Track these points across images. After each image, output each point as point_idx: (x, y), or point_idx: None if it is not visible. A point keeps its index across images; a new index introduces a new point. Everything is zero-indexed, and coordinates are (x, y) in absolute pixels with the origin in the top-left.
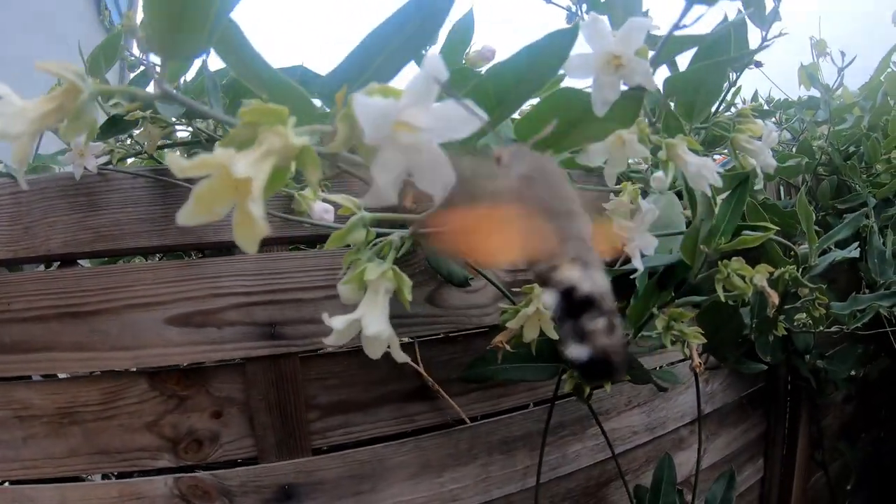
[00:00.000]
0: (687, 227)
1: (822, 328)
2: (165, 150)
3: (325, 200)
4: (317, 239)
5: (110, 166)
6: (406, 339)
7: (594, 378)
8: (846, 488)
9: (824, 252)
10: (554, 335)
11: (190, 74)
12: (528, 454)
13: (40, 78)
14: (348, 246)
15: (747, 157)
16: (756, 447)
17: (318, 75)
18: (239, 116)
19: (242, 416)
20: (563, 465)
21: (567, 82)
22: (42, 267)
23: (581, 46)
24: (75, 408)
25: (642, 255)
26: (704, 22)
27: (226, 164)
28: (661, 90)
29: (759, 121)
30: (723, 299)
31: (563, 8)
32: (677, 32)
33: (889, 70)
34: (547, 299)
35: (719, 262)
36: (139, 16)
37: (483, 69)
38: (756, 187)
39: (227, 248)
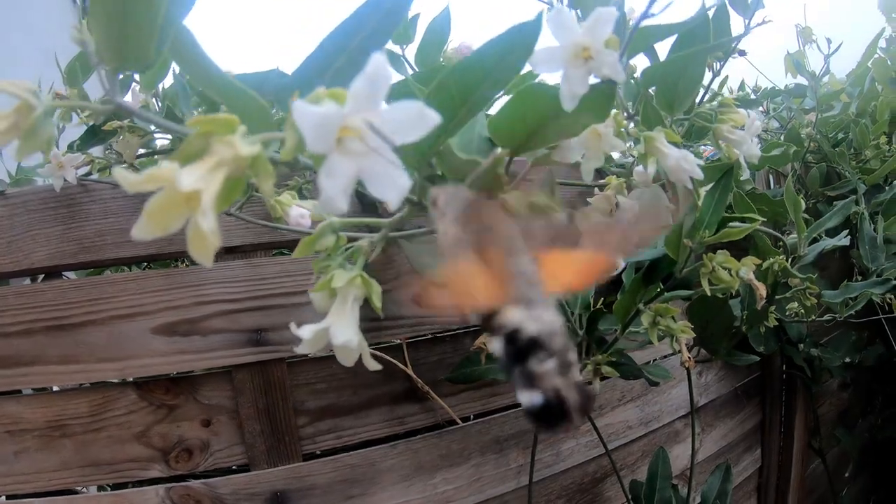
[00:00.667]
0: None
1: (814, 317)
2: (145, 158)
3: (278, 203)
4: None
5: (91, 177)
6: (395, 341)
7: (551, 424)
8: (844, 475)
9: (814, 241)
10: None
11: (168, 81)
12: (522, 453)
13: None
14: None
15: (731, 147)
16: (753, 437)
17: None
18: (189, 126)
19: (232, 424)
20: (557, 463)
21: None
22: (28, 280)
23: (547, 40)
24: (65, 420)
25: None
26: (684, 10)
27: (172, 179)
28: (639, 81)
29: (742, 110)
30: (708, 293)
31: (544, 2)
32: (651, 21)
33: (876, 56)
34: (494, 347)
35: (704, 256)
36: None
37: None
38: (742, 177)
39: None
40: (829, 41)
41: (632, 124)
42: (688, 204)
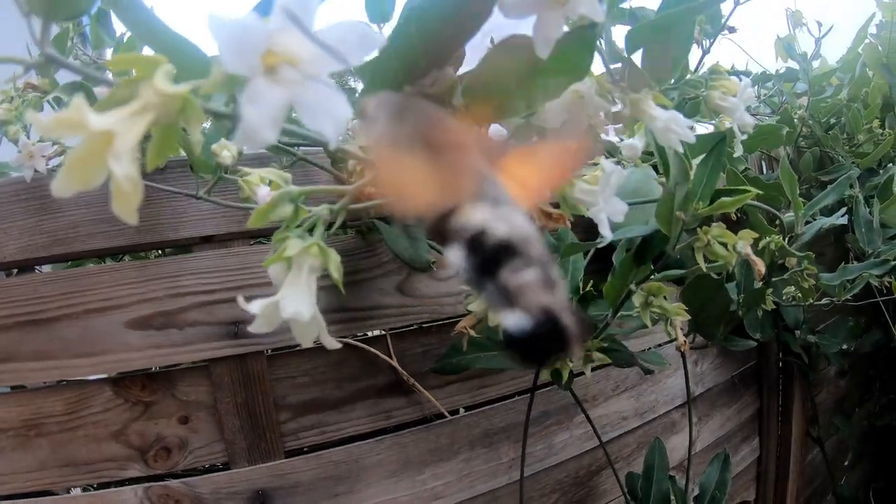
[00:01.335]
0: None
1: (811, 301)
2: None
3: (246, 183)
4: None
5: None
6: (378, 332)
7: (543, 353)
8: (843, 463)
9: (811, 221)
10: None
11: None
12: (513, 446)
13: None
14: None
15: (723, 116)
16: (750, 426)
17: None
18: (110, 66)
19: (211, 421)
20: (550, 456)
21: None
22: (3, 275)
23: None
24: (41, 419)
25: (612, 225)
26: None
27: (81, 119)
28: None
29: (734, 77)
30: (704, 269)
31: None
32: None
33: (867, 41)
34: (452, 258)
35: (698, 229)
36: None
37: None
38: (735, 154)
39: (187, 246)
40: (819, 24)
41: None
42: (679, 173)
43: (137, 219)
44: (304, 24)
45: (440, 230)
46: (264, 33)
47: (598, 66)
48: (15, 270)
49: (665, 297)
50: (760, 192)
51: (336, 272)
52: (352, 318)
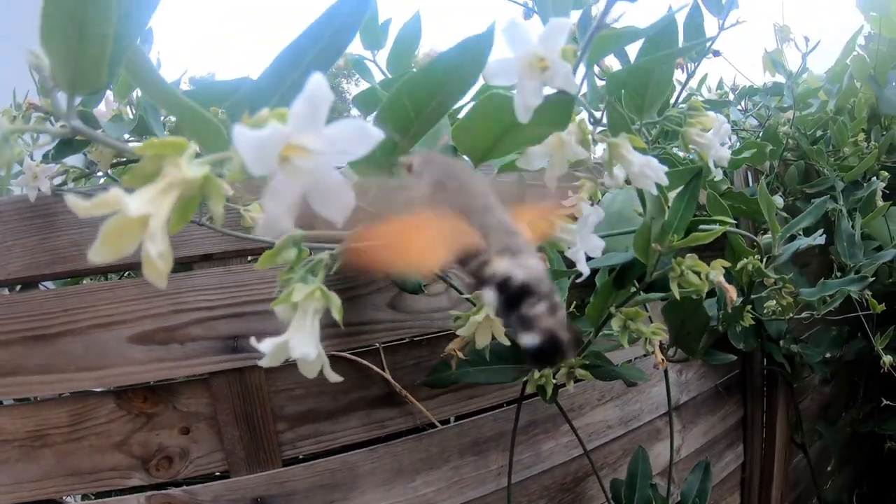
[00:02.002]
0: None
1: (792, 315)
2: (121, 167)
3: (248, 216)
4: None
5: (66, 186)
6: (373, 345)
7: (548, 361)
8: (827, 469)
9: (792, 239)
10: (506, 340)
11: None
12: (501, 454)
13: None
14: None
15: (703, 151)
16: (735, 433)
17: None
18: (138, 151)
19: (211, 431)
20: (537, 464)
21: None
22: (6, 291)
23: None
24: (46, 430)
25: (590, 258)
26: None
27: (119, 204)
28: (606, 87)
29: (711, 112)
30: (678, 297)
31: (520, 5)
32: (616, 25)
33: (855, 53)
34: (486, 296)
35: (673, 260)
36: None
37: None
38: (716, 178)
39: (188, 264)
40: (806, 39)
41: (598, 129)
42: (655, 208)
43: (167, 284)
44: (319, 125)
45: (477, 277)
46: (281, 139)
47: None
48: (18, 287)
49: (646, 321)
50: (744, 210)
51: (337, 314)
52: (347, 333)
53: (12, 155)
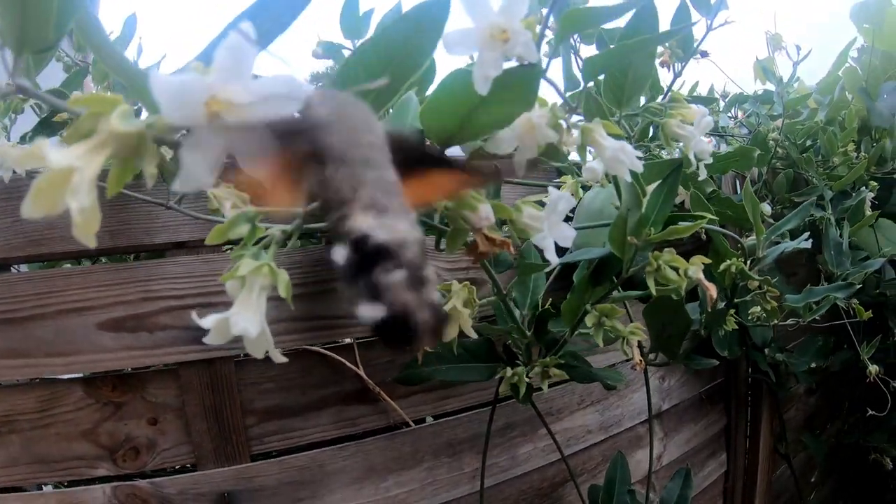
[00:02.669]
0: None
1: (776, 321)
2: None
3: (214, 196)
4: None
5: (41, 169)
6: (346, 340)
7: (395, 341)
8: (811, 480)
9: (776, 243)
10: (473, 333)
11: None
12: (476, 456)
13: None
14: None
15: (685, 144)
16: (718, 442)
17: None
18: (71, 104)
19: (179, 423)
20: (514, 467)
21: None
22: None
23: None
24: (13, 416)
25: (564, 250)
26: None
27: (43, 155)
28: (581, 73)
29: (694, 105)
30: (654, 293)
31: None
32: (592, 3)
33: (847, 65)
34: (335, 255)
35: (650, 254)
36: None
37: None
38: (699, 178)
39: (161, 251)
40: (798, 48)
41: (574, 117)
42: (631, 198)
43: (95, 242)
44: (245, 78)
45: (334, 230)
46: (204, 88)
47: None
48: None
49: (621, 318)
50: (730, 215)
51: (285, 292)
52: (320, 327)
53: None
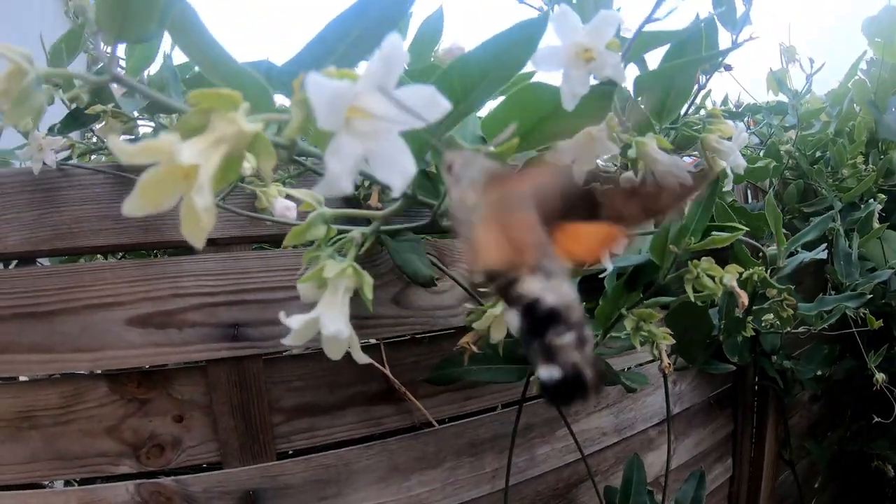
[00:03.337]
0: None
1: (789, 329)
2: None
3: (287, 197)
4: (281, 238)
5: (71, 161)
6: (372, 341)
7: (567, 399)
8: (814, 486)
9: (792, 254)
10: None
11: (154, 69)
12: (497, 457)
13: None
14: (311, 243)
15: (717, 157)
16: (724, 447)
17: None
18: (190, 101)
19: (205, 420)
20: (531, 468)
21: (536, 77)
22: (1, 266)
23: (550, 40)
24: (35, 412)
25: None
26: (676, 20)
27: (171, 151)
28: (632, 89)
29: (730, 121)
30: (692, 299)
31: (535, 9)
32: (650, 27)
33: (857, 77)
34: (509, 318)
35: (689, 262)
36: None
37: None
38: (724, 189)
39: (190, 247)
40: (811, 60)
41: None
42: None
43: (204, 243)
44: (390, 91)
45: (503, 293)
46: (352, 94)
47: None
48: (14, 262)
49: (655, 323)
50: (745, 225)
51: (369, 293)
52: None
53: (42, 104)
